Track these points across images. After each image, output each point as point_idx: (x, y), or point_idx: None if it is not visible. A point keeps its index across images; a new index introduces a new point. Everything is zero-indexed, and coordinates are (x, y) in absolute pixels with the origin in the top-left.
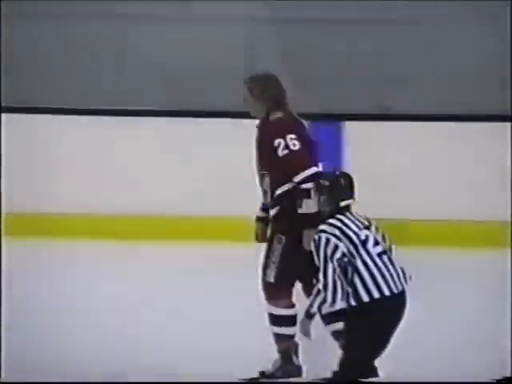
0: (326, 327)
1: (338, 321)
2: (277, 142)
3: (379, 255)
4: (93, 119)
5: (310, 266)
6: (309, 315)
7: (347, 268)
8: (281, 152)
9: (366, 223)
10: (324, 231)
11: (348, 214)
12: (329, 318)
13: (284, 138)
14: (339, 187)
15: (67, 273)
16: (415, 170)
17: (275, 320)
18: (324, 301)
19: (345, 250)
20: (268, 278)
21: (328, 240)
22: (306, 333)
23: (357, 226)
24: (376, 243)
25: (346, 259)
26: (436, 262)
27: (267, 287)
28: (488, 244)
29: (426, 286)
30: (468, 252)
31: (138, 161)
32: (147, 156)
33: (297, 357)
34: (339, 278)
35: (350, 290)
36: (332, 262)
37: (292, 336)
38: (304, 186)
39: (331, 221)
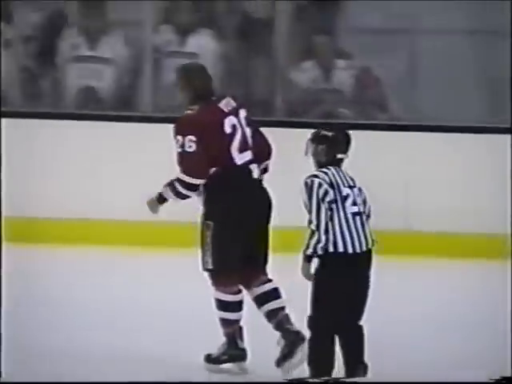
0: (259, 309)
1: (268, 301)
2: (177, 138)
3: (353, 215)
4: (98, 125)
5: (247, 251)
6: (306, 258)
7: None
8: (177, 148)
9: (351, 183)
10: (316, 176)
11: (338, 168)
12: (260, 299)
13: (183, 136)
14: (338, 140)
15: (65, 276)
16: None
17: (221, 305)
18: (318, 241)
19: (332, 197)
20: (207, 266)
21: (320, 184)
22: (307, 276)
23: (342, 181)
24: (354, 203)
25: (331, 206)
26: (437, 273)
27: (210, 274)
28: (489, 256)
29: (427, 294)
30: (469, 263)
31: (139, 167)
32: (149, 163)
33: (242, 341)
34: (330, 219)
35: None
36: (323, 204)
37: (237, 321)
38: (178, 187)
39: (322, 169)
